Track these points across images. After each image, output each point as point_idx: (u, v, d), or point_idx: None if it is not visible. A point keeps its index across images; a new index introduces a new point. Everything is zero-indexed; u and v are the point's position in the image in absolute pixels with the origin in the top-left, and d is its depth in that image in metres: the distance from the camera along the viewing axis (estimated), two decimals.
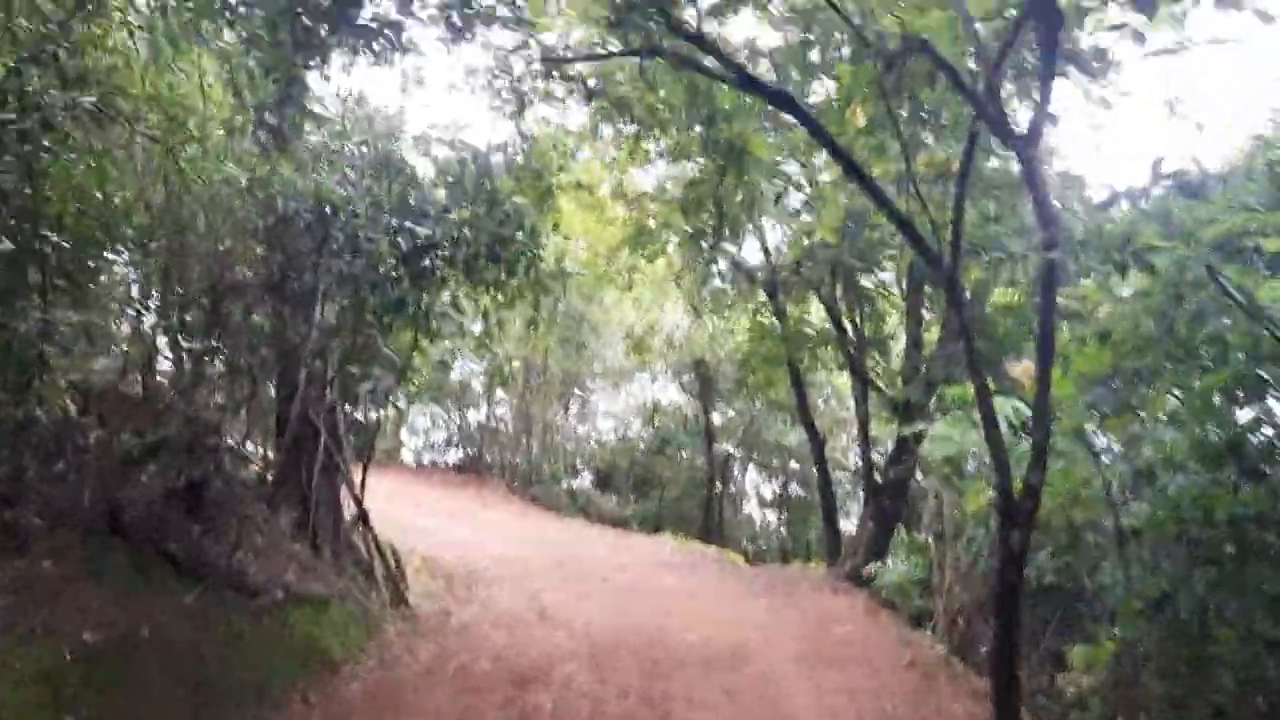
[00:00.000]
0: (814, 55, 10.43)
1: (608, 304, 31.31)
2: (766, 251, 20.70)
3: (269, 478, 12.72)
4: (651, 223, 20.56)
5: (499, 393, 36.96)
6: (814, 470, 35.98)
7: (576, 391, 36.79)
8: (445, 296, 11.61)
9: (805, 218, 18.57)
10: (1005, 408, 11.18)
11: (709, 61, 9.48)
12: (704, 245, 18.25)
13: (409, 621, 13.10)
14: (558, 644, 12.01)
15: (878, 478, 18.68)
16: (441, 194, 10.94)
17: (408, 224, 9.54)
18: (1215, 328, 8.85)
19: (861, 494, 33.71)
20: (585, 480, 37.72)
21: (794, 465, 35.81)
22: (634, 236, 20.00)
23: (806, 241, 17.03)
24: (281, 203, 8.71)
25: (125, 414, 9.19)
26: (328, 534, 12.74)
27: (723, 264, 21.43)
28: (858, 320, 18.60)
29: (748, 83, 9.36)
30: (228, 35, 10.02)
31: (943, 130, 9.63)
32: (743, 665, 10.37)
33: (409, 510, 25.35)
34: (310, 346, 10.91)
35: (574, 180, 15.34)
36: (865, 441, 18.95)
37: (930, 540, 15.07)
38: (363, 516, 13.64)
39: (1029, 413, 11.56)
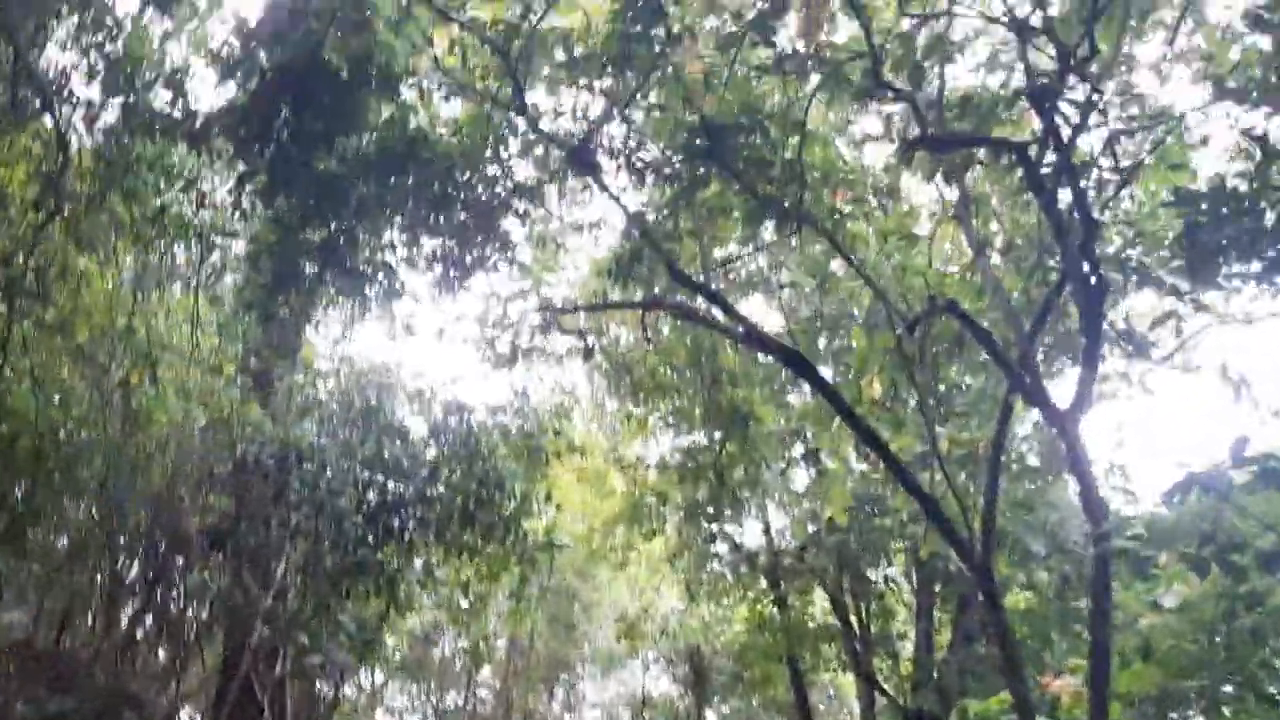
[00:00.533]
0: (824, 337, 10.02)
1: (600, 583, 29.83)
2: (769, 534, 19.68)
3: None
4: (650, 499, 19.71)
5: (483, 672, 34.68)
6: None
7: (563, 676, 34.53)
8: (418, 563, 10.60)
9: (808, 504, 17.70)
10: None
11: (715, 314, 8.96)
12: (703, 523, 17.27)
13: None
14: None
15: None
16: (429, 452, 10.20)
17: (379, 478, 8.73)
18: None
19: None
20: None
21: None
22: (630, 511, 19.07)
23: (812, 527, 16.09)
24: (242, 447, 7.95)
25: (30, 675, 8.01)
26: None
27: (722, 546, 20.39)
28: (864, 616, 17.30)
29: (755, 340, 8.80)
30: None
31: (971, 407, 8.96)
32: None
33: None
34: (261, 610, 9.82)
35: (568, 443, 14.67)
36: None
37: None
38: None
39: None
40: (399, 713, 35.66)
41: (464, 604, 13.93)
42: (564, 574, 29.25)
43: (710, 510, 17.18)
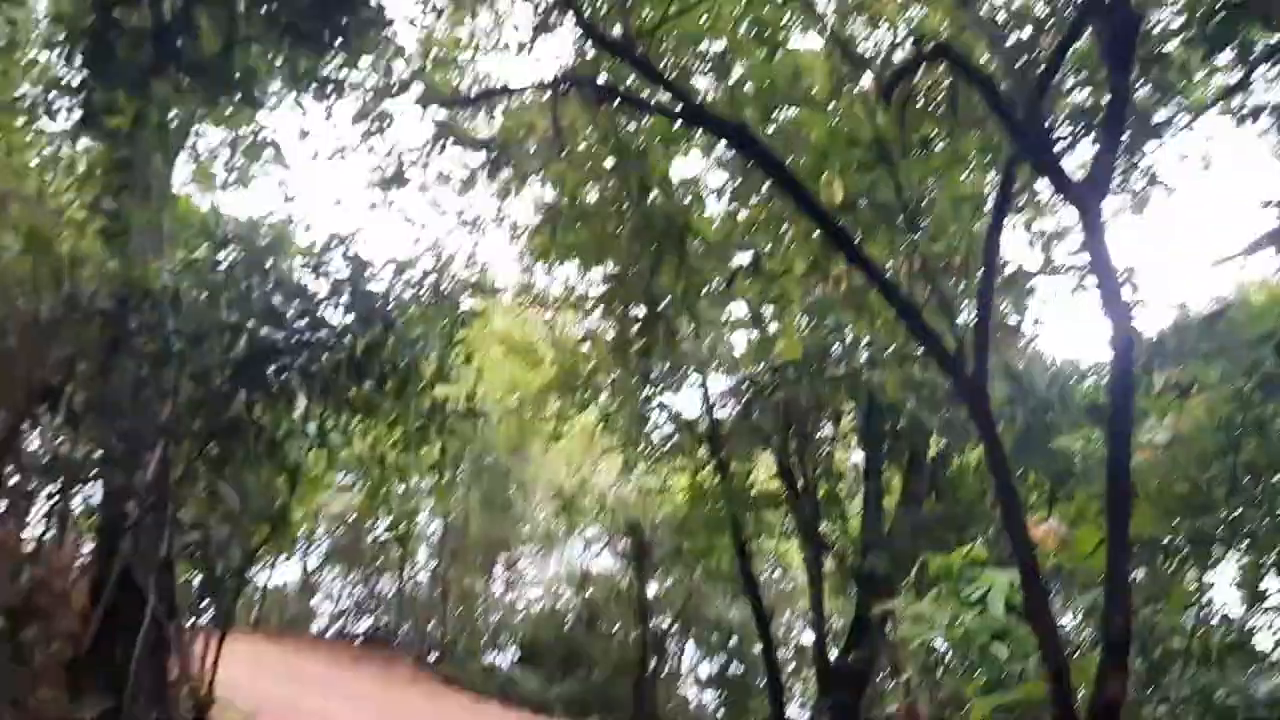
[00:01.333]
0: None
1: (535, 460, 28.84)
2: (709, 402, 18.67)
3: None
4: (581, 368, 18.53)
5: (420, 557, 33.83)
6: (756, 648, 33.18)
7: (502, 556, 33.78)
8: (312, 429, 9.25)
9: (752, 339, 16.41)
10: (1000, 583, 9.01)
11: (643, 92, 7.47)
12: (637, 390, 16.15)
13: None
14: None
15: (833, 664, 16.14)
16: (314, 296, 8.73)
17: (249, 324, 7.30)
18: None
19: (814, 679, 31.05)
20: (508, 656, 34.28)
21: (734, 642, 32.84)
22: (561, 380, 17.87)
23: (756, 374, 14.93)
24: (69, 283, 6.45)
25: None
26: None
27: (660, 415, 19.40)
28: (810, 478, 16.41)
29: (694, 117, 7.38)
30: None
31: (948, 213, 7.68)
32: None
33: (294, 692, 22.05)
34: (136, 482, 8.40)
35: (486, 293, 13.22)
36: (819, 621, 16.49)
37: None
38: (199, 708, 10.79)
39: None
40: (335, 598, 34.87)
41: (375, 477, 12.56)
42: (496, 451, 28.22)
43: (645, 373, 16.03)
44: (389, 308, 9.22)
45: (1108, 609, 5.10)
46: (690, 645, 35.61)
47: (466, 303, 12.65)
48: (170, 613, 10.36)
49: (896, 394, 11.13)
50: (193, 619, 14.69)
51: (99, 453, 7.42)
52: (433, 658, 29.17)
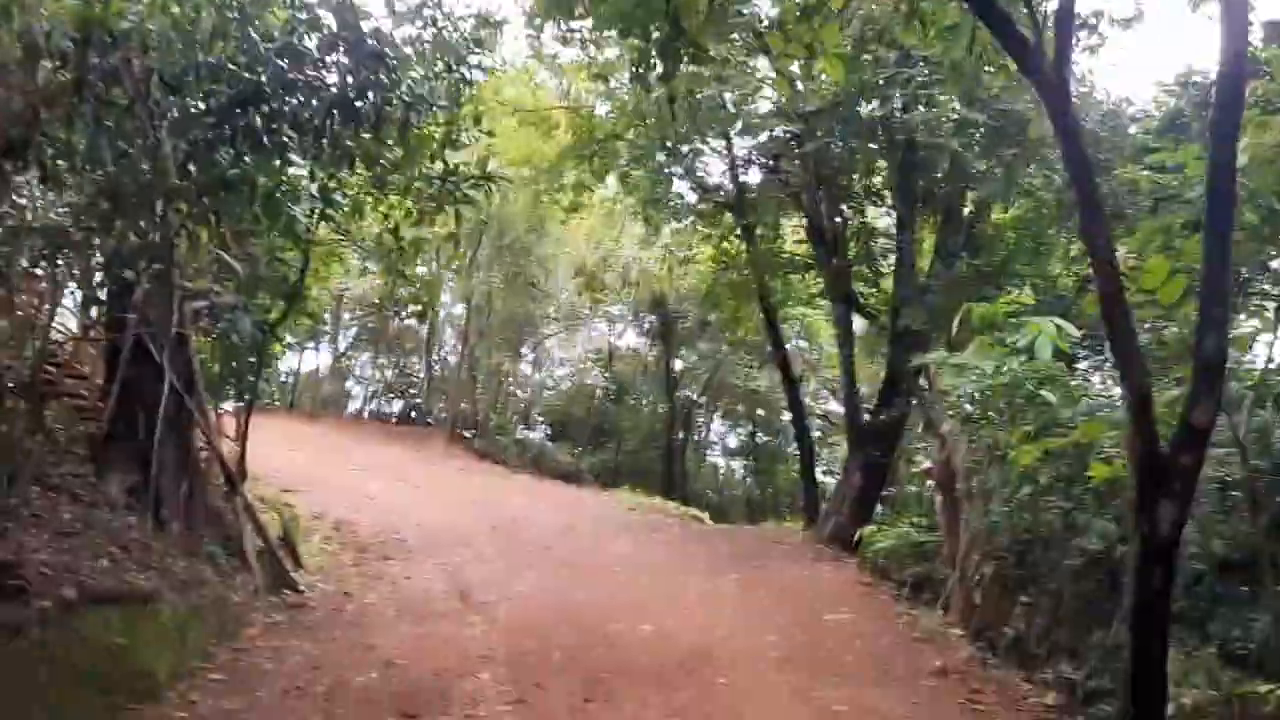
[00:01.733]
0: None
1: (555, 236, 28.28)
2: (734, 165, 17.87)
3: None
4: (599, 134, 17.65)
5: (448, 339, 33.96)
6: (784, 417, 33.60)
7: (528, 336, 33.82)
8: (314, 188, 8.66)
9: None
10: (1047, 329, 8.54)
11: None
12: (658, 151, 15.34)
13: (289, 613, 10.29)
14: (473, 642, 9.27)
15: (864, 423, 16.03)
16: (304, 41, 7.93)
17: (231, 65, 6.58)
18: None
19: (844, 443, 31.46)
20: (538, 432, 34.98)
21: (760, 413, 33.29)
22: (578, 145, 17.05)
23: (788, 129, 14.03)
24: (20, 20, 5.73)
25: None
26: (176, 504, 9.87)
27: (682, 184, 18.64)
28: (842, 234, 15.76)
29: None
30: None
31: None
32: (712, 675, 7.67)
33: (334, 467, 22.49)
34: (133, 247, 7.89)
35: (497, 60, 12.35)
36: (850, 381, 16.27)
37: (936, 497, 12.44)
38: (230, 479, 10.76)
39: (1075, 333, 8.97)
40: (367, 381, 35.38)
41: (391, 248, 12.09)
42: (515, 229, 27.64)
43: (665, 138, 15.17)
44: (383, 49, 8.38)
45: (1201, 329, 4.59)
46: (717, 416, 36.26)
47: (473, 58, 11.77)
48: (189, 387, 10.14)
49: (935, 135, 10.39)
50: (219, 398, 14.70)
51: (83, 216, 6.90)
52: (462, 435, 29.67)
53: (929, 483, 19.08)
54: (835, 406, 32.16)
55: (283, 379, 35.69)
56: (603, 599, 10.94)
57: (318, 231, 10.81)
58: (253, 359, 12.70)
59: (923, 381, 13.48)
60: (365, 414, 33.35)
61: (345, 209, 9.92)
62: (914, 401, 14.52)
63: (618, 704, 7.11)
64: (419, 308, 13.66)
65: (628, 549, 14.63)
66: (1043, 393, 8.34)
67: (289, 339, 14.71)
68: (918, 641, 8.57)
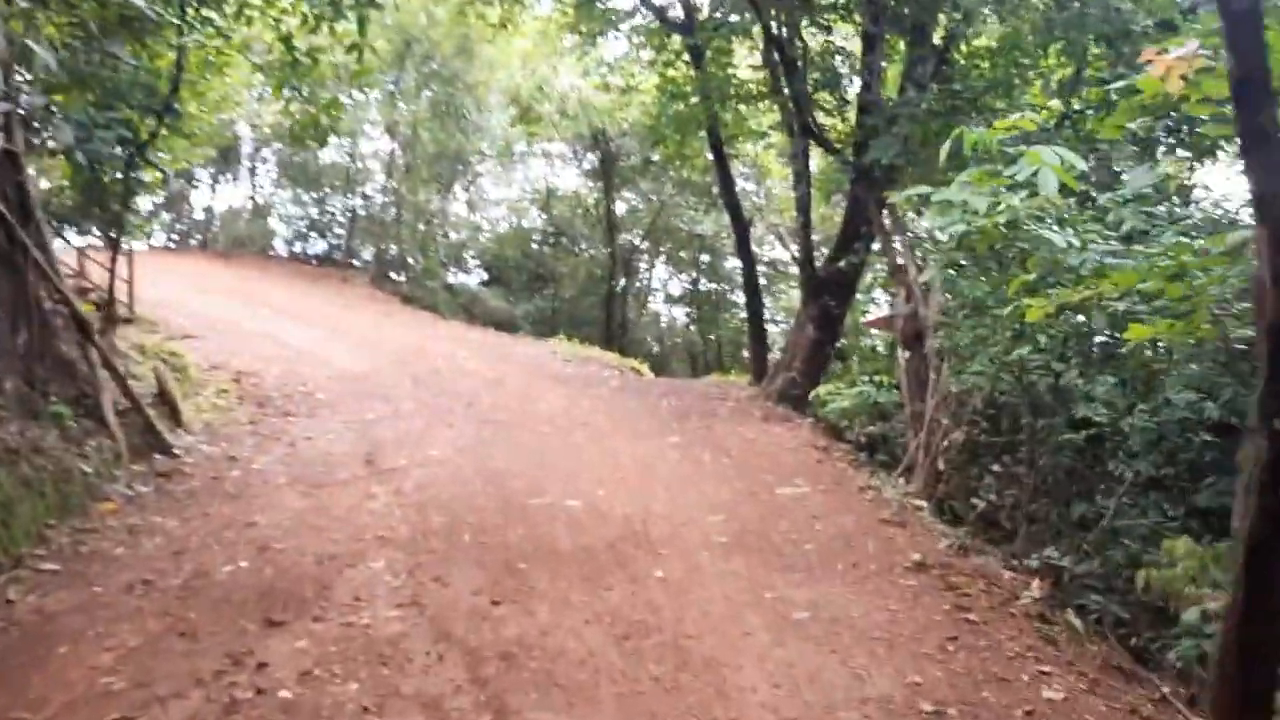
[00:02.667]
0: None
1: (487, 61, 25.91)
2: None
3: None
4: None
5: (376, 174, 31.57)
6: (729, 263, 32.21)
7: (460, 173, 31.65)
8: None
9: None
10: (1051, 160, 7.11)
11: None
12: None
13: (155, 484, 8.85)
14: (371, 519, 7.95)
15: (820, 270, 14.67)
16: None
17: None
18: None
19: (792, 293, 30.21)
20: (472, 277, 33.24)
21: (705, 259, 31.82)
22: None
23: None
24: None
25: None
26: (10, 356, 8.22)
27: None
28: (803, 56, 13.95)
29: None
30: None
31: None
32: (648, 564, 6.44)
33: (245, 312, 20.77)
34: None
35: None
36: (806, 223, 14.80)
37: (900, 355, 11.22)
38: (81, 325, 9.09)
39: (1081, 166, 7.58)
40: (290, 220, 33.07)
41: (291, 63, 10.27)
42: (440, 52, 25.26)
43: None
44: None
45: None
46: (660, 262, 34.73)
47: None
48: (24, 216, 8.38)
49: None
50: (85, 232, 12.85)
51: None
52: (387, 279, 27.90)
53: (878, 334, 17.96)
54: (782, 254, 30.90)
55: (198, 216, 33.53)
56: (527, 465, 9.64)
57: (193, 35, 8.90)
58: (120, 186, 10.83)
59: (888, 223, 12.07)
60: (286, 255, 31.25)
61: (227, 9, 8.00)
62: (876, 247, 13.15)
63: (530, 606, 5.84)
64: (315, 132, 11.76)
65: (560, 404, 13.32)
66: (1048, 234, 6.96)
67: (171, 167, 12.72)
68: (886, 524, 7.38)
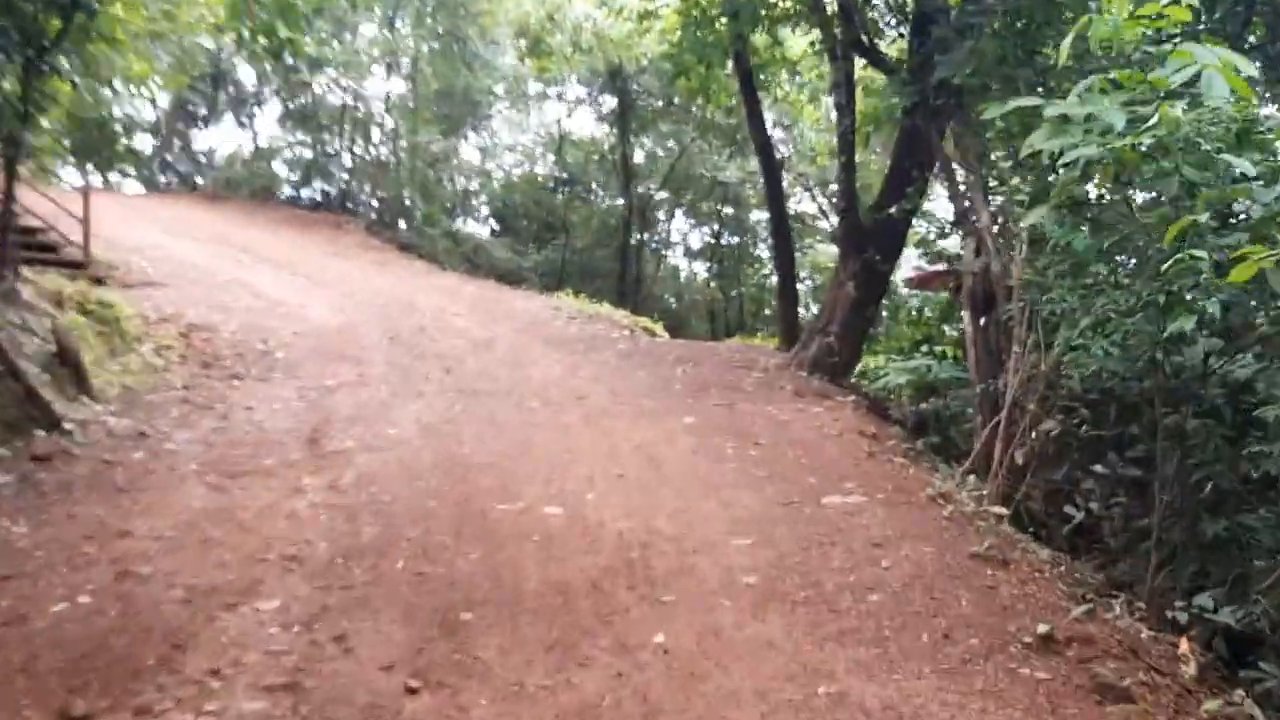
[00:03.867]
0: None
1: None
2: None
3: None
4: None
5: (377, 114, 29.32)
6: (754, 216, 29.98)
7: (467, 114, 29.42)
8: None
9: None
10: (1217, 60, 5.02)
11: None
12: None
13: (26, 468, 6.94)
14: (285, 527, 6.02)
15: (868, 219, 12.54)
16: None
17: None
18: None
19: (819, 247, 28.00)
20: (480, 226, 31.15)
21: (728, 211, 29.55)
22: None
23: None
24: None
25: None
26: None
27: None
28: None
29: None
30: None
31: None
32: (645, 625, 4.42)
33: (223, 259, 18.86)
34: None
35: None
36: (849, 164, 12.64)
37: (965, 321, 9.15)
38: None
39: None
40: (290, 164, 30.91)
41: None
42: None
43: None
44: None
45: None
46: (680, 213, 32.45)
47: None
48: None
49: None
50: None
51: None
52: (390, 225, 25.88)
53: (918, 294, 15.78)
54: (809, 206, 28.60)
55: (199, 159, 31.46)
56: (503, 452, 7.66)
57: None
58: (19, 100, 8.83)
59: (955, 158, 9.94)
60: (283, 200, 29.13)
61: None
62: (933, 188, 11.02)
63: (464, 697, 3.88)
64: (273, 43, 9.68)
65: (555, 372, 11.33)
66: (1231, 158, 4.87)
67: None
68: (980, 563, 5.31)
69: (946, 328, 11.58)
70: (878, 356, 13.07)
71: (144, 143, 30.17)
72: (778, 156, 22.43)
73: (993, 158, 9.43)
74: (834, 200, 25.94)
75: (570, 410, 9.16)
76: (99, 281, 14.74)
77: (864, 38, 11.53)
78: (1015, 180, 8.07)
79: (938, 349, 9.59)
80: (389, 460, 7.53)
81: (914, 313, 14.05)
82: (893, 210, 11.71)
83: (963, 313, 9.25)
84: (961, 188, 9.67)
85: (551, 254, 28.36)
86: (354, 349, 12.43)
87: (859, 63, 12.97)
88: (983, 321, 9.29)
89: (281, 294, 16.18)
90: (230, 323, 13.45)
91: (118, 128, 26.94)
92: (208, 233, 21.68)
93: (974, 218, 9.31)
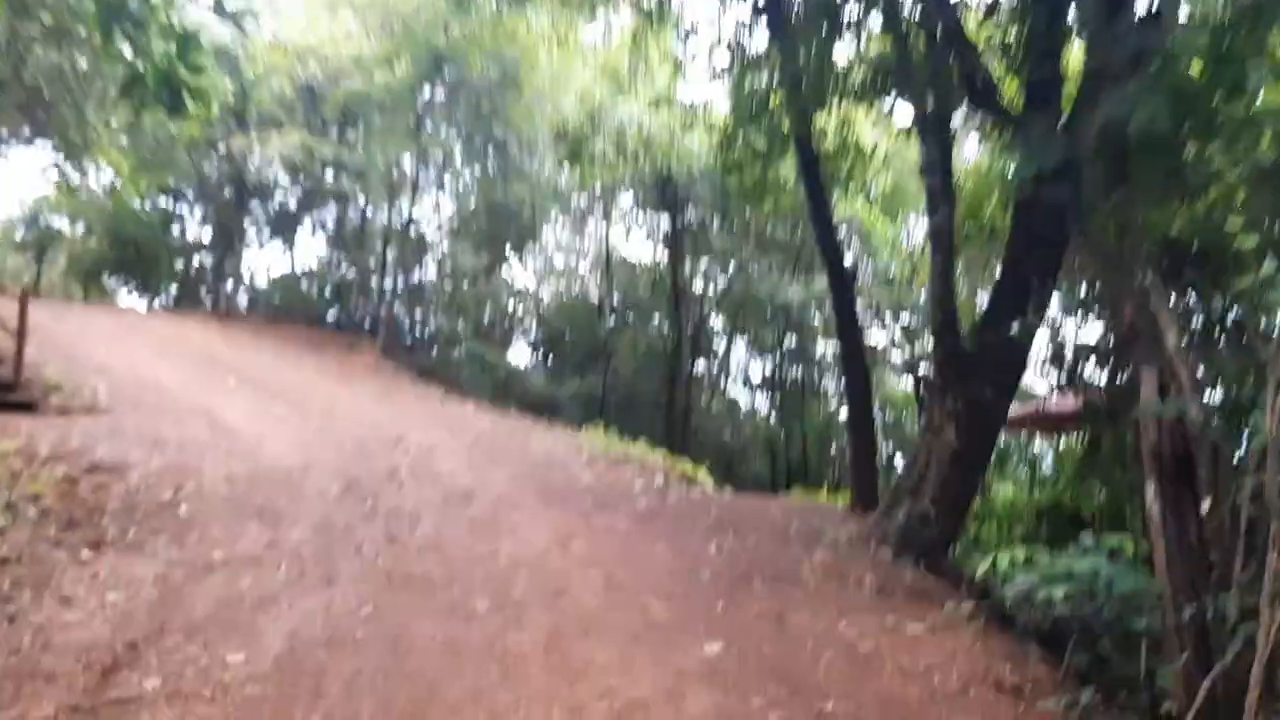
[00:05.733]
0: None
1: (534, 89, 21.36)
2: None
3: None
4: None
5: (435, 241, 27.02)
6: (819, 346, 26.91)
7: (511, 233, 27.09)
8: None
9: None
10: None
11: None
12: None
13: None
14: None
15: (977, 337, 9.37)
16: None
17: None
18: None
19: (893, 380, 24.68)
20: (518, 349, 28.46)
21: (790, 340, 26.48)
22: None
23: None
24: None
25: None
26: None
27: None
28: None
29: None
30: None
31: None
32: None
33: (199, 381, 16.23)
34: None
35: None
36: (946, 269, 9.45)
37: (1150, 493, 5.81)
38: None
39: None
40: (323, 284, 28.68)
41: None
42: (479, 72, 20.87)
43: None
44: None
45: None
46: (740, 340, 29.46)
47: None
48: None
49: None
50: None
51: None
52: (413, 349, 23.31)
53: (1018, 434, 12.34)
54: (879, 337, 25.42)
55: (244, 281, 29.34)
56: (388, 713, 4.48)
57: None
58: None
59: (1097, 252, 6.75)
60: (302, 321, 26.67)
61: None
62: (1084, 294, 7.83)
63: None
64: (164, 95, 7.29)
65: (539, 544, 8.13)
66: None
67: None
68: None
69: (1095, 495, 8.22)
70: (983, 528, 9.73)
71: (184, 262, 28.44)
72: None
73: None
74: (910, 329, 22.84)
75: (532, 621, 5.93)
76: (26, 407, 12.21)
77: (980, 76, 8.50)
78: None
79: (1114, 541, 6.16)
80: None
81: (1028, 466, 10.70)
82: (1012, 329, 8.52)
83: (1148, 484, 5.91)
84: (1137, 293, 6.44)
85: (592, 382, 25.44)
86: (287, 502, 9.40)
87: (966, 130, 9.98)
88: (1170, 495, 5.96)
89: (248, 424, 13.34)
90: (152, 462, 10.52)
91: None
92: (200, 353, 19.20)
93: (1161, 339, 6.07)
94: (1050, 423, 11.14)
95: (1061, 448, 10.10)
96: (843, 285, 12.62)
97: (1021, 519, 9.40)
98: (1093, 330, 9.94)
